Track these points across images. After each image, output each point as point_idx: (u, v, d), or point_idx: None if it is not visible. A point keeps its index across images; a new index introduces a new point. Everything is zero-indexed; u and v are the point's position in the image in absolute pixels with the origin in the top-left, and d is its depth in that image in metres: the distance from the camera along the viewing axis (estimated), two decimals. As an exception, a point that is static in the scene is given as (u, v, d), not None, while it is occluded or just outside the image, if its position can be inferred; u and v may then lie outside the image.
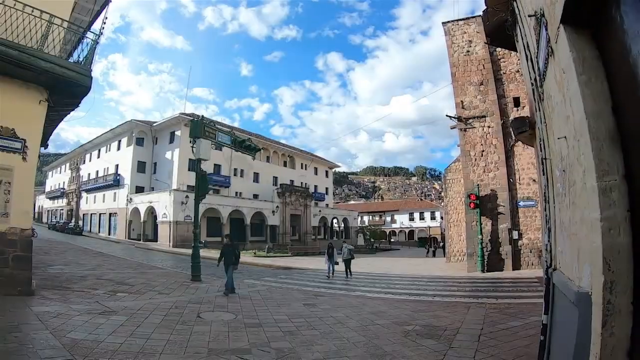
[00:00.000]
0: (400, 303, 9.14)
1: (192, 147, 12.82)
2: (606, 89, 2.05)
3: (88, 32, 9.42)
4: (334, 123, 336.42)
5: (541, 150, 3.64)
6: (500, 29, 5.41)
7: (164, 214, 32.22)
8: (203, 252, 27.14)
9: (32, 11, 7.85)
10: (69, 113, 9.87)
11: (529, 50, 3.92)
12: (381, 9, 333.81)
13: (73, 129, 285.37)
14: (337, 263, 14.91)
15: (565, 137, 2.49)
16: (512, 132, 5.91)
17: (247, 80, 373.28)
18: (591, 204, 2.00)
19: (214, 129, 13.76)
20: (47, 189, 63.07)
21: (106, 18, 9.49)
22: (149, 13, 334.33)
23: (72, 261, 14.80)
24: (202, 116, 13.07)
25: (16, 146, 7.88)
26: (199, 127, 12.87)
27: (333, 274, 14.80)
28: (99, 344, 4.89)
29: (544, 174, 3.53)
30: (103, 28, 8.87)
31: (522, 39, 4.26)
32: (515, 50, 6.16)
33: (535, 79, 3.61)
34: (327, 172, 59.30)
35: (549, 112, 3.19)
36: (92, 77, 8.30)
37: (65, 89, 8.30)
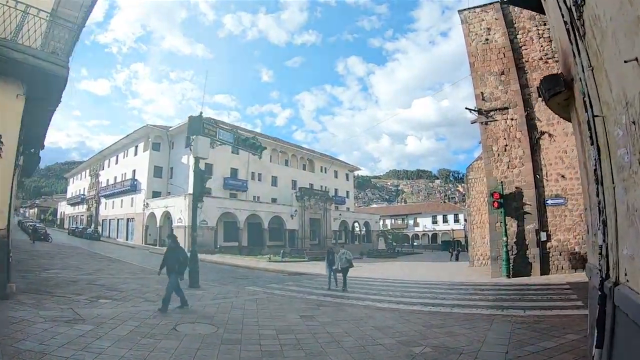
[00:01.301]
0: (413, 315, 8.01)
1: (190, 145, 12.17)
2: None
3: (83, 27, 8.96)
4: (356, 127, 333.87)
5: (586, 110, 2.56)
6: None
7: (179, 218, 31.86)
8: (217, 258, 26.86)
9: (7, 1, 7.43)
10: (54, 109, 9.36)
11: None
12: (400, 12, 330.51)
13: (98, 138, 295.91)
14: (339, 271, 12.59)
15: (636, 58, 1.45)
16: (542, 94, 4.77)
17: (268, 86, 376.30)
18: None
19: (215, 127, 13.08)
20: (69, 195, 64.64)
21: (91, 6, 8.97)
22: (169, 22, 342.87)
23: (73, 265, 14.39)
24: (201, 112, 12.40)
25: (-10, 142, 7.38)
26: (198, 124, 12.21)
27: (335, 283, 12.59)
28: (43, 356, 4.35)
29: (592, 144, 2.45)
30: (85, 19, 8.33)
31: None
32: (538, 10, 5.05)
33: (570, 11, 2.56)
34: (347, 175, 57.98)
35: (595, 46, 2.14)
36: (68, 68, 7.80)
37: (42, 81, 7.81)
